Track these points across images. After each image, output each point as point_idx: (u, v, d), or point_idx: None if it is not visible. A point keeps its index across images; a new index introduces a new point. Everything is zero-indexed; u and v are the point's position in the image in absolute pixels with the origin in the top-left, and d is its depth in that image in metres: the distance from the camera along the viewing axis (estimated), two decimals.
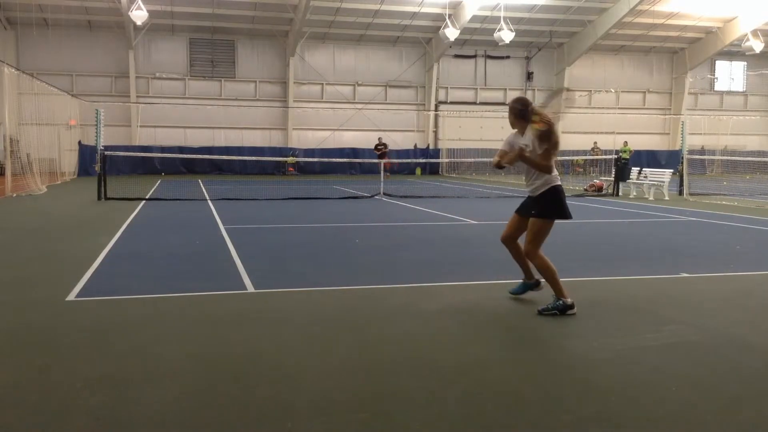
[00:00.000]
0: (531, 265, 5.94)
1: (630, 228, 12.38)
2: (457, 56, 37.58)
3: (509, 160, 5.68)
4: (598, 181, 22.07)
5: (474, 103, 37.85)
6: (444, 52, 36.14)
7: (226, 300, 6.19)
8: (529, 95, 38.92)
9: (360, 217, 14.09)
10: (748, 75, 41.02)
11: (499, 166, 5.78)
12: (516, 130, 5.84)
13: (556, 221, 5.75)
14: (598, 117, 37.80)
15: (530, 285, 6.10)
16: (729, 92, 41.67)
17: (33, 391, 3.84)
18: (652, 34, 36.97)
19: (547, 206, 5.67)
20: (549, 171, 5.60)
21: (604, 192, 20.77)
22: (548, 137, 5.46)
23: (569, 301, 5.58)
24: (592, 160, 30.25)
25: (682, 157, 20.98)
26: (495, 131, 38.20)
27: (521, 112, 5.70)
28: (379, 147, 31.48)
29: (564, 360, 4.46)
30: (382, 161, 29.42)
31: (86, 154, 29.37)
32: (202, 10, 31.94)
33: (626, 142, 31.99)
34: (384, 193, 19.43)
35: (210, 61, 35.08)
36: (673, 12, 34.00)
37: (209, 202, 16.95)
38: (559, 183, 5.72)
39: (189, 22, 33.33)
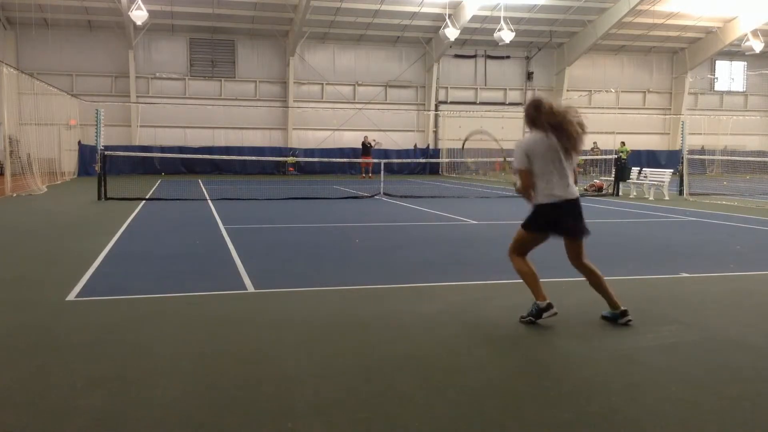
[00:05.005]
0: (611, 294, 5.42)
1: (630, 228, 12.38)
2: (457, 56, 37.57)
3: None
4: (598, 181, 22.07)
5: (474, 103, 37.84)
6: (444, 52, 36.13)
7: (226, 300, 6.19)
8: (529, 95, 38.94)
9: (360, 217, 14.09)
10: (748, 75, 41.00)
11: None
12: (537, 131, 5.22)
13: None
14: (598, 117, 37.67)
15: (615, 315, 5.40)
16: (729, 92, 41.66)
17: (33, 391, 3.84)
18: (652, 34, 36.96)
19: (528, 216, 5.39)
20: (522, 191, 5.27)
21: (604, 192, 20.77)
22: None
23: (543, 303, 5.25)
24: (592, 160, 30.24)
25: (682, 157, 20.98)
26: (495, 131, 37.99)
27: (532, 118, 5.20)
28: (367, 145, 31.68)
29: (564, 360, 4.46)
30: (366, 160, 29.61)
31: (86, 154, 29.36)
32: (202, 10, 31.94)
33: (623, 142, 31.98)
34: (384, 193, 19.43)
35: (210, 61, 35.07)
36: (673, 12, 34.00)
37: (209, 202, 16.95)
38: (541, 202, 5.21)
39: (189, 22, 33.33)
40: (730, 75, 41.65)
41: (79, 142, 30.25)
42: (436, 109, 37.31)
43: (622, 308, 5.33)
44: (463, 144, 6.07)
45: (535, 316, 5.28)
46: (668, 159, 36.96)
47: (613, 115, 36.79)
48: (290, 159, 31.86)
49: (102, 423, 3.41)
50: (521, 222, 5.43)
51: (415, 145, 36.72)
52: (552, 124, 5.10)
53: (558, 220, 5.27)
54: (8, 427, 3.36)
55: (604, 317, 5.45)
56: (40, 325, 5.26)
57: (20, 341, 4.84)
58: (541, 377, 4.13)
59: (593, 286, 5.48)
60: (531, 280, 5.37)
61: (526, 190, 5.25)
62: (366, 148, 31.48)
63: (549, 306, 5.26)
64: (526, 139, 5.29)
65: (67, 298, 6.11)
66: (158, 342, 4.82)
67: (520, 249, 5.45)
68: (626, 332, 5.13)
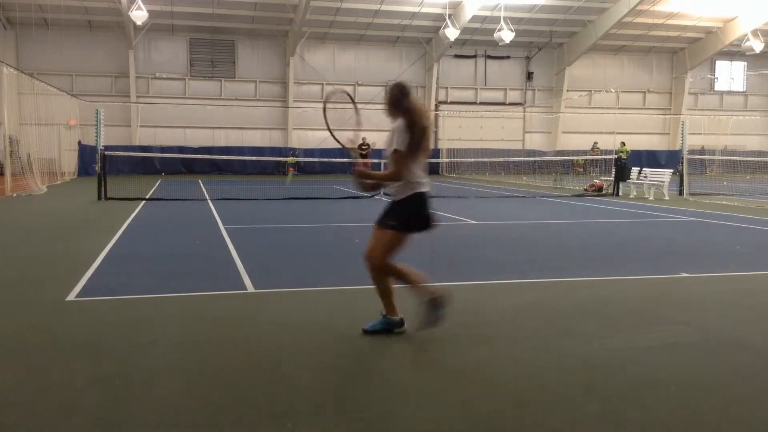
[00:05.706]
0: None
1: (630, 228, 12.38)
2: (457, 56, 37.57)
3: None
4: (598, 181, 22.06)
5: (474, 103, 37.85)
6: (444, 52, 36.14)
7: (226, 300, 6.19)
8: (529, 95, 38.99)
9: (360, 217, 14.09)
10: (748, 75, 41.01)
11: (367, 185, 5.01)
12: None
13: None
14: (598, 117, 37.79)
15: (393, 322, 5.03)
16: (729, 92, 41.67)
17: (33, 391, 3.84)
18: (652, 34, 36.97)
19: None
20: (396, 178, 4.79)
21: (604, 192, 20.77)
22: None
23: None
24: (592, 160, 30.25)
25: (682, 157, 20.98)
26: (495, 131, 38.40)
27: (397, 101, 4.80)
28: (363, 147, 31.54)
29: (564, 360, 4.46)
30: (363, 161, 29.52)
31: (86, 154, 29.36)
32: (202, 10, 31.95)
33: (623, 142, 32.01)
34: (384, 193, 19.41)
35: (210, 61, 35.08)
36: (673, 12, 34.01)
37: (209, 202, 16.94)
38: (415, 191, 4.85)
39: (189, 22, 33.33)
40: (730, 75, 41.65)
41: (79, 142, 30.26)
42: (436, 109, 37.29)
43: (401, 317, 5.06)
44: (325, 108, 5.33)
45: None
46: (668, 159, 36.96)
47: (613, 115, 36.81)
48: (290, 159, 31.84)
49: (102, 423, 3.41)
50: (390, 224, 4.96)
51: None
52: (410, 114, 4.74)
53: (426, 212, 4.96)
54: (8, 427, 3.36)
55: (366, 331, 4.99)
56: (41, 325, 5.26)
57: (20, 341, 4.84)
58: (541, 377, 4.13)
59: (381, 287, 5.08)
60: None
61: (398, 175, 4.75)
62: (366, 149, 31.40)
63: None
64: (405, 123, 4.73)
65: (67, 298, 6.11)
66: (158, 342, 4.82)
67: (394, 253, 5.05)
68: (626, 332, 5.13)
